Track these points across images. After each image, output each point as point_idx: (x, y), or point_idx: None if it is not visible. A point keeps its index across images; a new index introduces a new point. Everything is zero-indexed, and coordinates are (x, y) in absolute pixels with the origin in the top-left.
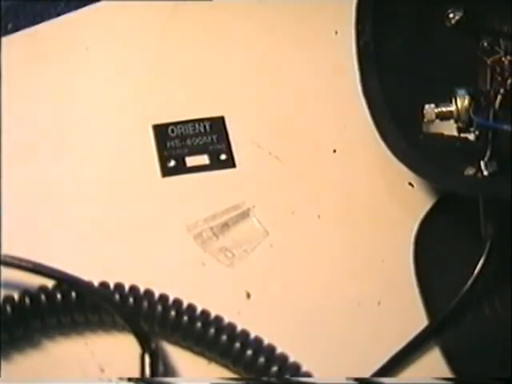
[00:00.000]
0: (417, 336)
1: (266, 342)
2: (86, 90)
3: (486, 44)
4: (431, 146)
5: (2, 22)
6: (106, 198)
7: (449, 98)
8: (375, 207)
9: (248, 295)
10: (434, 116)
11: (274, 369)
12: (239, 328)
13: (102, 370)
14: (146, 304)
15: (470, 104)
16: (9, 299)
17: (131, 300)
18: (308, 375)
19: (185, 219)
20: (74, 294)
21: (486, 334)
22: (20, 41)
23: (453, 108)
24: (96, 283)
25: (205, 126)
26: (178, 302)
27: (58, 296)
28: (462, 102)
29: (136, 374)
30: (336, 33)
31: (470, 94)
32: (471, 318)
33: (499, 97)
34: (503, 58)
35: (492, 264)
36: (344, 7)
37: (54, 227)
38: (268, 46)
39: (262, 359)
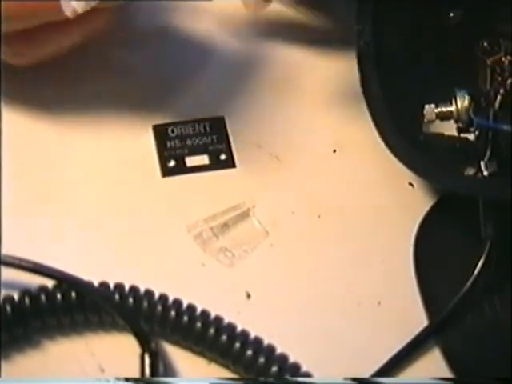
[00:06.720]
0: (417, 336)
1: (266, 342)
2: (85, 89)
3: (486, 44)
4: (431, 145)
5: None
6: (105, 198)
7: (449, 98)
8: (375, 207)
9: (248, 295)
10: (434, 116)
11: (274, 369)
12: (239, 328)
13: (102, 370)
14: (145, 304)
15: (469, 104)
16: (9, 299)
17: (131, 300)
18: (308, 375)
19: (185, 219)
20: (73, 294)
21: (486, 334)
22: None
23: (453, 108)
24: (96, 283)
25: (205, 126)
26: (178, 302)
27: (58, 296)
28: (461, 102)
29: (136, 374)
30: None
31: (470, 94)
32: (471, 318)
33: (499, 97)
34: (503, 58)
35: (492, 264)
36: None
37: (54, 227)
38: (268, 46)
39: (261, 359)
